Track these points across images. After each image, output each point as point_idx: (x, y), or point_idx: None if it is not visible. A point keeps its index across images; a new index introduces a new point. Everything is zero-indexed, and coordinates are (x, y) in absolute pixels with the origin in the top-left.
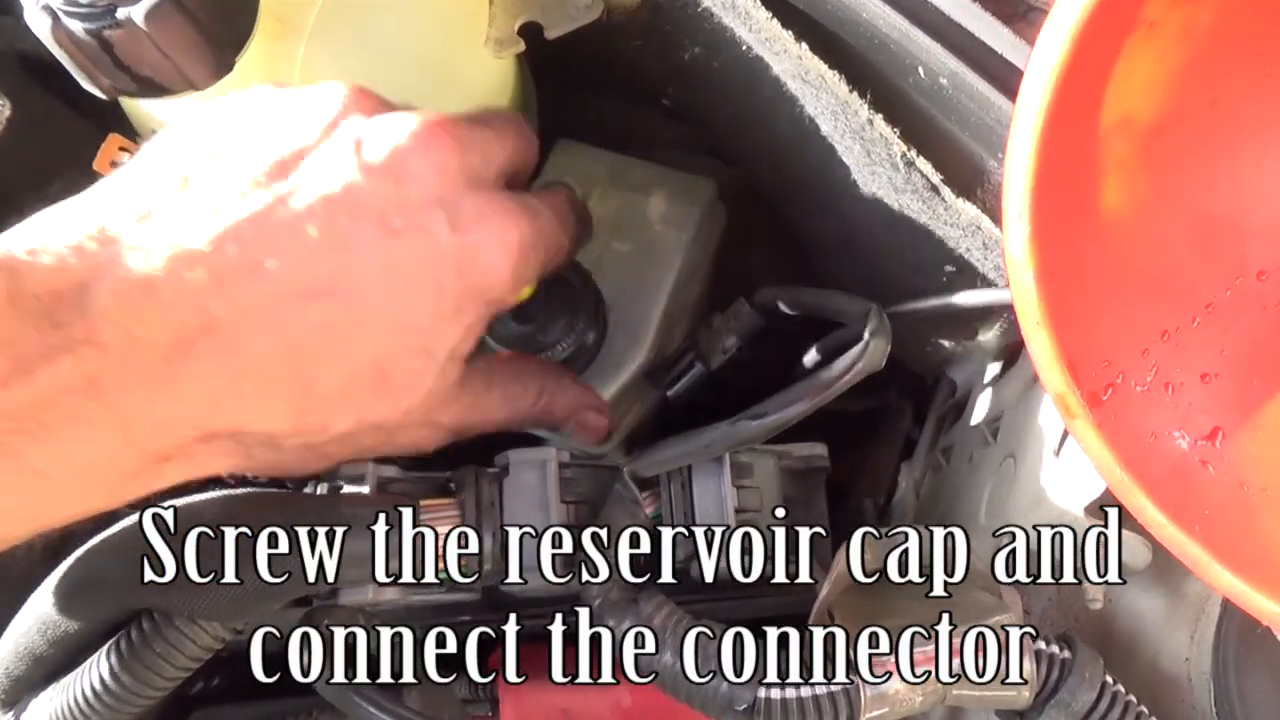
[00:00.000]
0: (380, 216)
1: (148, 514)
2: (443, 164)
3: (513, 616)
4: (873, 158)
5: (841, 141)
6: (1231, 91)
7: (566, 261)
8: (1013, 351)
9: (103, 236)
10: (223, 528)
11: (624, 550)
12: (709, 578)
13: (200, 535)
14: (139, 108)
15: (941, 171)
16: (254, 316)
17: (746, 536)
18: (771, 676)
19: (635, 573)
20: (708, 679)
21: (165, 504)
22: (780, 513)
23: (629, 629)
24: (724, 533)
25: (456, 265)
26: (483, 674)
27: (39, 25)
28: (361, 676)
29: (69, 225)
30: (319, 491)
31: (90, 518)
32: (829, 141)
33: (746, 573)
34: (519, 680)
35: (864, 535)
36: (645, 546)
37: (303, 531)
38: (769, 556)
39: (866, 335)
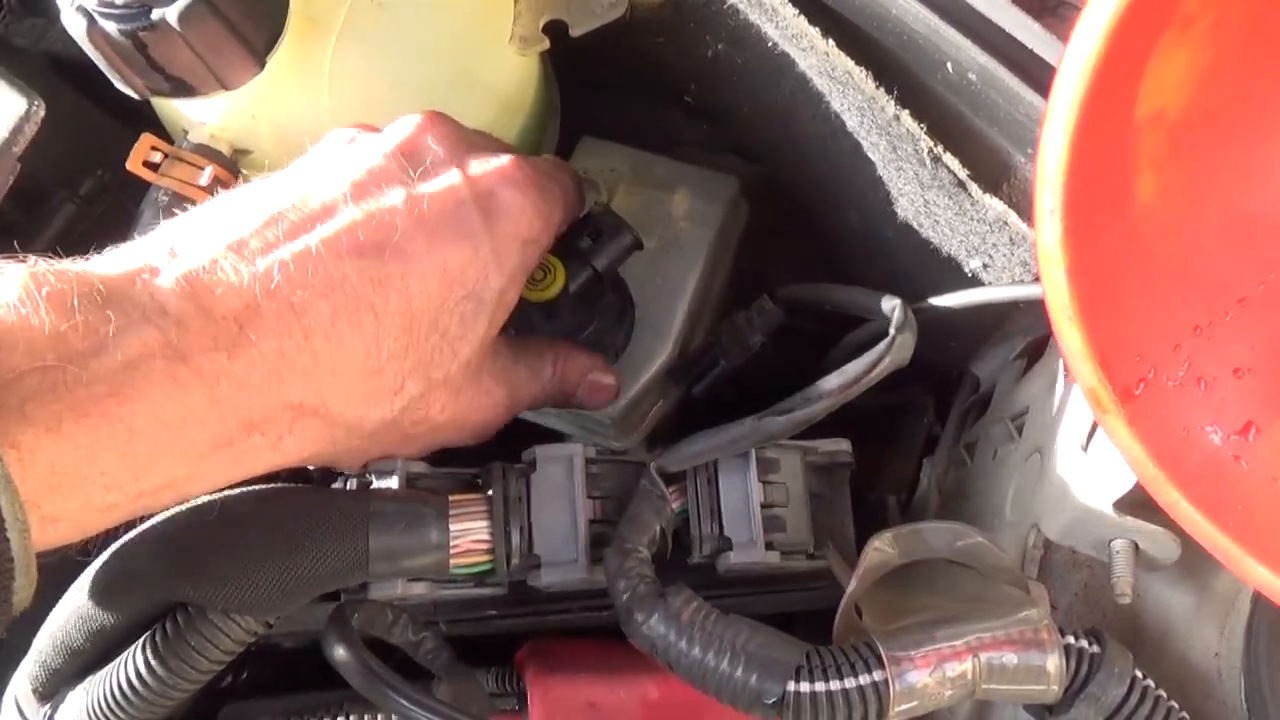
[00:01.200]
0: (403, 180)
1: (181, 508)
2: (446, 135)
3: (540, 611)
4: (899, 153)
5: (867, 138)
6: (1266, 86)
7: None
8: (1037, 346)
9: (163, 242)
10: (255, 521)
11: (650, 545)
12: (735, 573)
13: (232, 529)
14: (171, 107)
15: (968, 167)
16: (308, 277)
17: (772, 532)
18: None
19: (661, 568)
20: (735, 672)
21: (197, 498)
22: (806, 508)
23: (656, 623)
24: (750, 528)
25: (480, 209)
26: (510, 668)
27: (75, 26)
28: (391, 670)
29: (137, 243)
30: (348, 486)
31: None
32: (854, 137)
33: (772, 568)
34: (546, 674)
35: (891, 531)
36: (671, 542)
37: (332, 525)
38: (794, 552)
39: (892, 331)
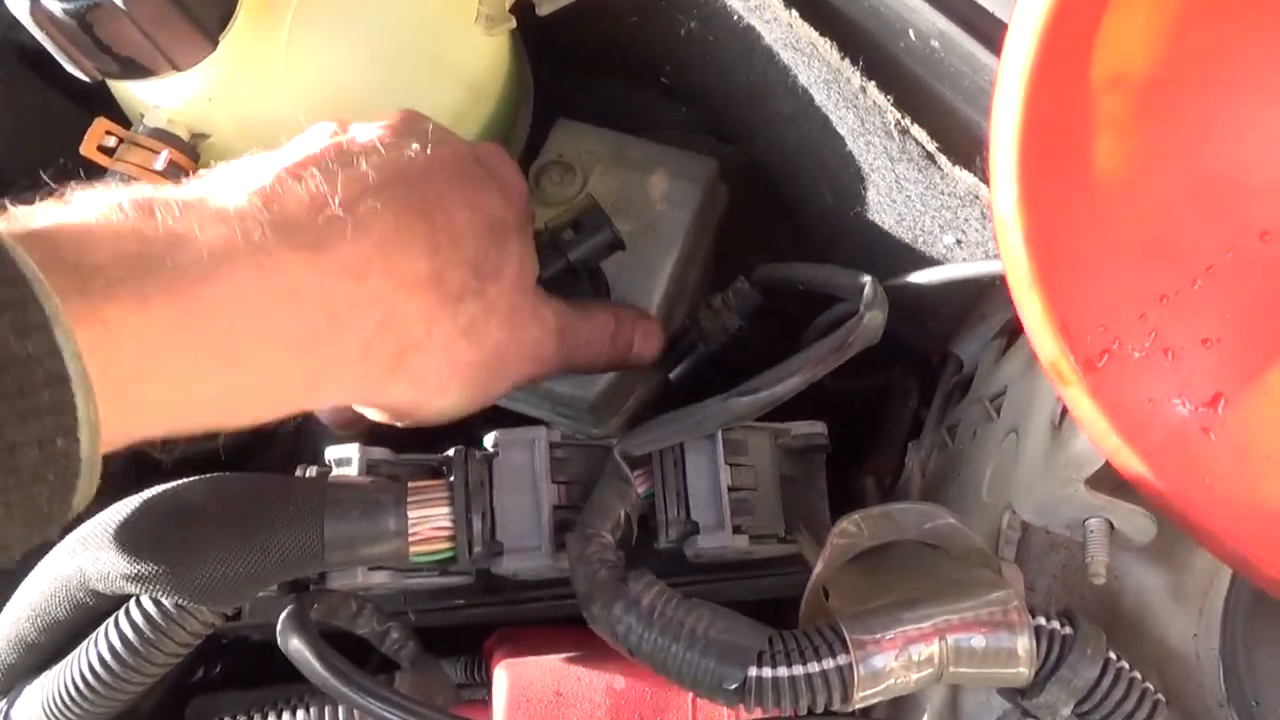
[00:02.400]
0: (416, 138)
1: (134, 497)
2: (430, 119)
3: (510, 599)
4: (867, 127)
5: (835, 111)
6: (1229, 45)
7: None
8: (1016, 325)
9: (217, 175)
10: (208, 510)
11: (614, 530)
12: (705, 557)
13: (186, 518)
14: (129, 92)
15: (938, 139)
16: (370, 194)
17: (740, 515)
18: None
19: (626, 553)
20: (696, 658)
21: (150, 488)
22: (776, 491)
23: (617, 609)
24: (718, 511)
25: (481, 165)
26: (478, 658)
27: (18, 7)
28: (350, 661)
29: (191, 180)
30: (307, 474)
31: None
32: (823, 112)
33: (742, 552)
34: (513, 663)
35: (859, 513)
36: (638, 527)
37: (286, 513)
38: (765, 536)
39: (862, 308)
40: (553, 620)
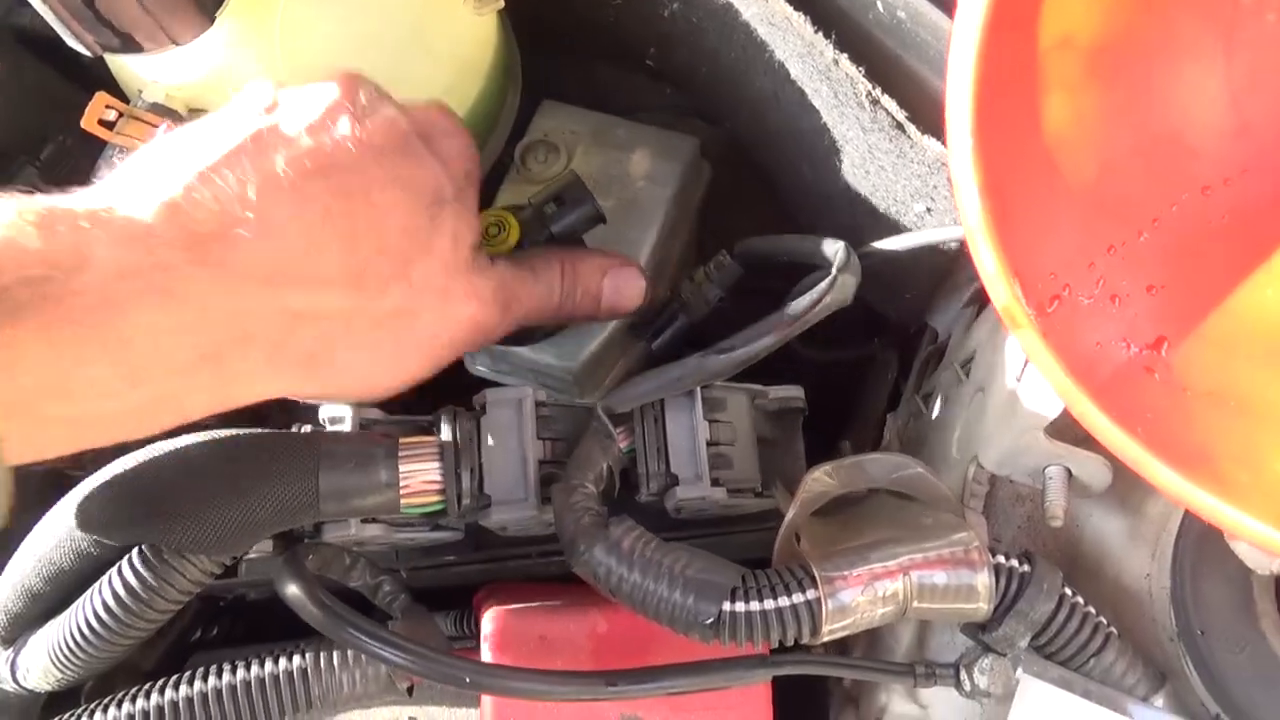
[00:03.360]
0: (349, 113)
1: (139, 452)
2: (373, 84)
3: (499, 556)
4: (840, 98)
5: (810, 84)
6: (1171, 11)
7: None
8: (984, 293)
9: (130, 178)
10: (208, 463)
11: (597, 482)
12: (686, 511)
13: (186, 471)
14: (127, 69)
15: (907, 109)
16: (283, 195)
17: (718, 469)
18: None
19: (612, 508)
20: (674, 596)
21: (151, 443)
22: (754, 446)
23: (599, 552)
24: (696, 464)
25: (420, 136)
26: (468, 610)
27: None
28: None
29: (105, 181)
30: (302, 431)
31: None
32: (799, 85)
33: (721, 505)
34: (501, 610)
35: (831, 463)
36: (620, 481)
37: (283, 465)
38: (742, 489)
39: (834, 270)
40: (539, 577)
